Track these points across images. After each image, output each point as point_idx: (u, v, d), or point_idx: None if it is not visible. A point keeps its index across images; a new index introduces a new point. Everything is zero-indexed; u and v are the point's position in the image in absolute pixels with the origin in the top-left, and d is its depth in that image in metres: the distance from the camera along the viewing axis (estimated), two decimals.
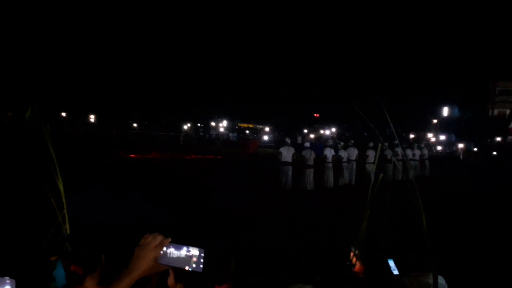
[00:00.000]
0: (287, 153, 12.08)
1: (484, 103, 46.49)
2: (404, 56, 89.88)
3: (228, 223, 6.95)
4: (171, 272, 1.25)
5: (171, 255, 1.20)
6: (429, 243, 2.47)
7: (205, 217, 7.41)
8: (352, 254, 2.69)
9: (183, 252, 1.19)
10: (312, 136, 32.57)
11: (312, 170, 12.39)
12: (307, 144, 12.98)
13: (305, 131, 37.31)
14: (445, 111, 41.22)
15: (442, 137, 30.97)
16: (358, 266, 2.81)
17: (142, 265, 1.20)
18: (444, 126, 37.40)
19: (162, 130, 37.82)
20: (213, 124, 42.74)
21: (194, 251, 1.19)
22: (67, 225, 2.96)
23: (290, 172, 12.05)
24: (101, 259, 1.88)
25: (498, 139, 31.31)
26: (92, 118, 44.07)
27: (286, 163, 12.03)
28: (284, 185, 11.90)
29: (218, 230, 6.43)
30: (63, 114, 41.89)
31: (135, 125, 43.46)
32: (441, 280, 2.68)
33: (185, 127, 40.64)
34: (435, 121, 40.69)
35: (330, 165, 13.19)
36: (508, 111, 42.63)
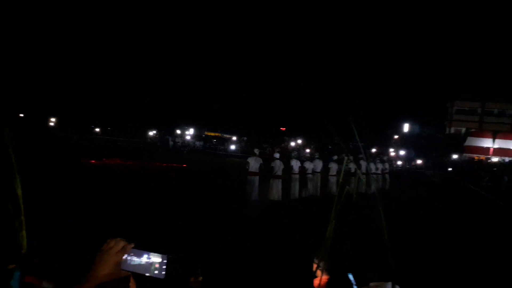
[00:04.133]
0: (254, 163, 12.11)
1: (442, 121, 48.72)
2: (367, 74, 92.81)
3: (194, 232, 6.88)
4: (131, 279, 1.22)
5: (132, 261, 1.18)
6: (390, 254, 2.55)
7: (171, 224, 7.29)
8: (315, 266, 2.73)
9: (144, 258, 1.17)
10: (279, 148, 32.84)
11: (280, 181, 12.49)
12: (277, 155, 13.07)
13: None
14: (406, 128, 42.79)
15: (402, 153, 32.05)
16: (322, 278, 2.85)
17: (103, 270, 1.17)
18: (405, 142, 38.78)
19: (126, 136, 36.98)
20: (179, 131, 42.24)
21: (156, 258, 1.17)
22: (24, 232, 2.84)
23: (257, 183, 12.07)
24: (59, 266, 1.81)
25: (454, 156, 32.82)
26: (52, 121, 42.45)
27: (254, 173, 12.06)
28: (250, 195, 11.90)
29: (186, 239, 6.35)
30: (21, 115, 40.16)
31: (97, 130, 42.27)
32: None
33: (151, 133, 39.94)
34: (396, 137, 42.13)
35: (297, 176, 13.35)
36: (463, 130, 44.85)
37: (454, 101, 46.64)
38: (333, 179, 14.52)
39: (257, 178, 12.10)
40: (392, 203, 11.00)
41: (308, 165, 14.04)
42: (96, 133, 40.89)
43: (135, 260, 1.18)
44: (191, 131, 42.54)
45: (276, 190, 12.38)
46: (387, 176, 18.48)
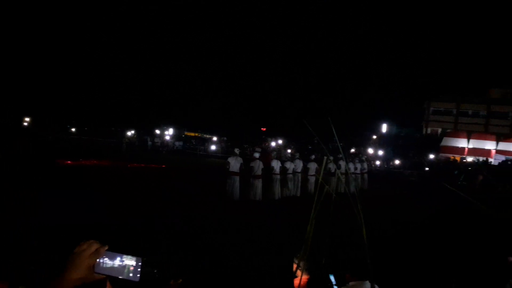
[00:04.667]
0: (234, 163, 12.06)
1: (419, 121, 49.77)
2: (347, 75, 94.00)
3: (173, 234, 6.79)
4: (108, 283, 1.18)
5: (105, 264, 1.15)
6: (368, 252, 2.56)
7: (150, 227, 7.19)
8: (295, 266, 2.71)
9: (117, 261, 1.14)
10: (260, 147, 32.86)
11: (260, 180, 12.47)
12: (256, 155, 13.04)
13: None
14: (384, 128, 43.48)
15: (381, 153, 32.55)
16: (303, 278, 2.84)
17: (75, 274, 1.13)
18: (383, 142, 39.42)
19: (103, 136, 36.31)
20: (158, 131, 41.75)
21: (129, 261, 1.14)
22: None
23: (237, 183, 12.03)
24: (29, 272, 1.75)
25: (431, 156, 33.54)
26: (26, 121, 41.31)
27: (234, 173, 12.01)
28: (231, 196, 11.86)
29: (162, 242, 6.26)
30: None
31: (73, 130, 41.38)
32: None
33: (129, 133, 39.34)
34: (374, 137, 42.77)
35: (278, 176, 13.36)
36: (440, 130, 45.92)
37: (430, 102, 47.70)
38: (312, 179, 14.61)
39: (237, 178, 12.06)
40: (371, 202, 11.13)
41: (289, 165, 14.08)
42: (73, 133, 40.02)
43: (108, 263, 1.15)
44: (170, 131, 42.10)
45: (256, 190, 12.36)
46: (365, 176, 18.71)
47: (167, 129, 42.30)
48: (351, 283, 2.89)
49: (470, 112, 46.51)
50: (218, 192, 11.98)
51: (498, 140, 38.68)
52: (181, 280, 2.08)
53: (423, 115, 49.23)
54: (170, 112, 52.97)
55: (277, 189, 13.31)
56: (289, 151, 26.66)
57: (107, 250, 1.16)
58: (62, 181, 11.63)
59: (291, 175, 14.10)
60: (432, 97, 47.63)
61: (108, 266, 1.15)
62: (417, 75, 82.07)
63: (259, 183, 12.44)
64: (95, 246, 1.16)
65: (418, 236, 8.01)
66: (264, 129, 51.49)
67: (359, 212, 2.62)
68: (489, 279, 3.66)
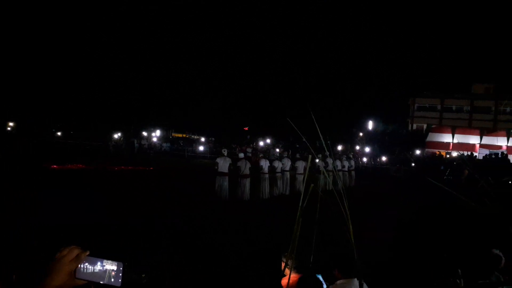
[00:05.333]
0: (223, 164, 12.09)
1: (404, 118, 50.33)
2: (332, 72, 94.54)
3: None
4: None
5: (86, 269, 1.15)
6: (355, 250, 2.59)
7: (140, 230, 7.14)
8: (283, 264, 2.73)
9: (98, 266, 1.14)
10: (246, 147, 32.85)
11: (248, 180, 12.49)
12: (241, 155, 13.07)
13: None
14: (370, 125, 43.86)
15: (367, 149, 32.84)
16: (291, 276, 2.86)
17: (56, 280, 1.12)
18: (369, 139, 39.78)
19: (89, 140, 35.87)
20: (145, 133, 41.43)
21: (110, 266, 1.14)
22: None
23: (226, 183, 12.06)
24: (17, 277, 1.73)
25: (417, 151, 33.95)
26: (10, 126, 40.58)
27: (223, 174, 12.02)
28: (220, 196, 11.87)
29: (155, 244, 6.23)
30: None
31: (59, 134, 40.78)
32: (364, 286, 2.81)
33: (115, 136, 38.95)
34: (361, 134, 43.12)
35: (266, 176, 13.41)
36: (425, 126, 46.52)
37: (415, 98, 48.28)
38: (300, 177, 14.68)
39: (226, 178, 12.08)
40: (358, 200, 11.23)
41: (277, 164, 14.13)
42: (58, 137, 39.44)
43: (89, 268, 1.15)
44: (157, 132, 41.83)
45: (243, 189, 12.39)
46: (353, 173, 18.89)
47: (154, 131, 42.02)
48: (339, 281, 2.92)
49: (454, 107, 47.20)
50: (208, 192, 11.96)
51: (481, 134, 39.37)
52: None
53: (408, 112, 49.81)
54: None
55: (266, 188, 13.35)
56: (277, 150, 26.73)
57: (88, 255, 1.16)
58: (50, 185, 11.48)
59: (279, 174, 14.16)
60: (417, 93, 48.22)
61: (89, 271, 1.14)
62: (401, 72, 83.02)
63: (246, 183, 12.47)
64: (76, 251, 1.16)
65: (406, 232, 8.11)
66: (247, 128, 51.41)
67: (345, 209, 2.65)
68: (475, 272, 3.72)
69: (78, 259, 1.15)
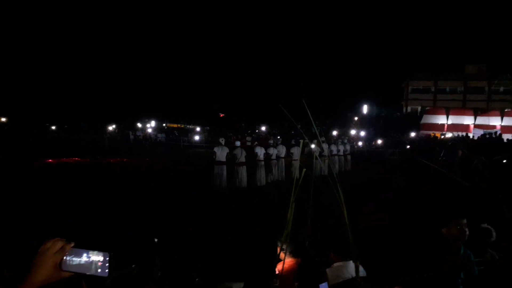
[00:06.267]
0: (221, 153, 12.13)
1: (399, 101, 50.42)
2: (327, 58, 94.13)
3: (163, 222, 6.81)
4: (83, 283, 1.18)
5: (72, 261, 1.14)
6: (350, 234, 2.62)
7: (140, 217, 7.18)
8: (279, 249, 2.77)
9: (83, 258, 1.14)
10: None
11: (244, 168, 12.53)
12: (238, 143, 13.09)
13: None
14: (365, 109, 43.88)
15: (363, 133, 32.92)
16: (286, 260, 2.90)
17: (41, 273, 1.11)
18: (364, 123, 39.85)
19: (84, 133, 35.67)
20: (139, 125, 41.25)
21: (95, 257, 1.14)
22: None
23: (224, 172, 12.11)
24: (7, 274, 1.74)
25: (412, 134, 34.09)
26: (3, 121, 40.24)
27: (220, 163, 12.07)
28: (219, 185, 11.93)
29: (148, 232, 6.27)
30: None
31: (53, 128, 40.52)
32: (360, 267, 2.86)
33: (110, 128, 38.77)
34: (356, 118, 43.18)
35: (262, 163, 13.46)
36: (419, 108, 46.61)
37: (409, 81, 48.27)
38: (296, 164, 14.73)
39: (224, 167, 12.14)
40: (354, 184, 11.31)
41: (272, 151, 14.16)
42: (53, 131, 39.21)
43: (75, 260, 1.14)
44: (152, 123, 41.66)
45: (241, 177, 12.44)
46: (348, 157, 18.97)
47: (148, 122, 41.85)
48: (335, 264, 2.97)
49: (447, 89, 47.27)
50: (206, 185, 11.97)
51: (475, 114, 39.52)
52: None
53: (402, 94, 49.85)
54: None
55: (262, 175, 13.41)
56: (278, 137, 26.73)
57: (73, 247, 1.15)
58: (46, 181, 11.45)
59: (275, 161, 14.20)
60: (411, 76, 48.20)
61: (75, 263, 1.14)
62: (395, 56, 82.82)
63: (243, 171, 12.51)
64: (60, 243, 1.15)
65: (399, 216, 8.19)
66: (222, 115, 51.25)
67: (339, 193, 2.68)
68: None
69: (63, 251, 1.14)
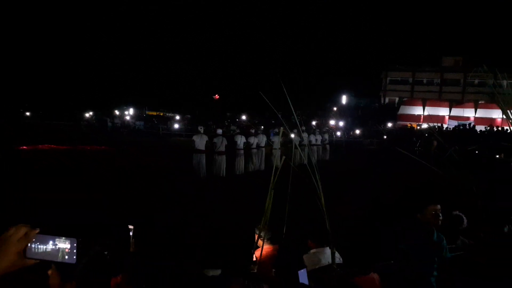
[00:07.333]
0: (200, 141, 12.07)
1: (377, 91, 51.08)
2: (307, 50, 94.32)
3: (139, 209, 6.75)
4: (54, 269, 1.12)
5: (37, 249, 1.09)
6: (327, 220, 2.67)
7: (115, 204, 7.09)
8: (257, 236, 2.79)
9: (50, 245, 1.09)
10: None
11: (223, 157, 12.51)
12: (219, 131, 13.04)
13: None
14: (344, 100, 44.32)
15: (341, 124, 33.30)
16: (264, 248, 2.92)
17: (3, 261, 1.06)
18: (343, 113, 40.27)
19: (60, 119, 34.85)
20: (117, 112, 40.55)
21: (63, 244, 1.09)
22: None
23: (203, 160, 12.07)
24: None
25: (389, 124, 34.68)
26: None
27: (200, 151, 12.02)
28: (198, 173, 11.89)
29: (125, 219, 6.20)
30: None
31: (27, 114, 39.41)
32: (336, 254, 2.91)
33: (87, 115, 37.98)
34: (335, 108, 43.58)
35: (242, 151, 13.46)
36: (397, 99, 47.37)
37: (387, 72, 48.91)
38: (276, 153, 14.80)
39: (203, 155, 12.10)
40: (332, 173, 11.46)
41: (253, 140, 14.17)
42: (27, 117, 38.13)
43: (41, 247, 1.09)
44: (130, 111, 41.02)
45: (219, 166, 12.42)
46: (327, 146, 19.19)
47: (127, 109, 41.18)
48: (312, 251, 3.01)
49: (425, 80, 48.12)
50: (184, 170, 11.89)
51: (451, 106, 40.47)
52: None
53: (380, 85, 50.51)
54: (129, 90, 51.21)
55: (241, 164, 13.42)
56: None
57: (38, 233, 1.11)
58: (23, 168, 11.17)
59: (255, 150, 14.22)
60: (389, 67, 48.83)
61: (41, 250, 1.09)
62: (374, 47, 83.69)
63: (222, 159, 12.49)
64: (23, 230, 1.10)
65: (377, 202, 8.35)
66: (217, 96, 50.97)
67: (318, 182, 2.71)
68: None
69: (27, 238, 1.09)
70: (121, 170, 12.06)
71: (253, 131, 15.11)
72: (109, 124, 34.69)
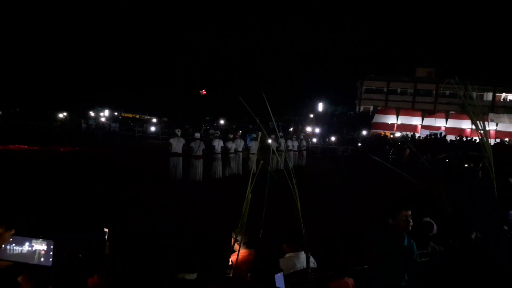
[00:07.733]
0: (177, 144, 11.96)
1: (353, 100, 51.99)
2: (284, 56, 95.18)
3: (113, 212, 6.63)
4: (25, 273, 1.08)
5: (13, 250, 1.06)
6: (303, 225, 2.71)
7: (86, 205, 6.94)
8: (233, 240, 2.80)
9: (26, 247, 1.06)
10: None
11: (200, 161, 12.43)
12: (197, 135, 12.96)
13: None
14: (320, 107, 44.84)
15: (317, 130, 33.65)
16: (241, 252, 2.94)
17: None
18: (319, 120, 40.72)
19: (33, 119, 33.86)
20: (92, 113, 39.71)
21: (39, 246, 1.07)
22: None
23: (180, 163, 11.95)
24: None
25: (364, 132, 35.30)
26: None
27: (176, 154, 11.91)
28: (174, 176, 11.77)
29: (97, 220, 6.09)
30: None
31: None
32: (311, 258, 2.96)
33: (60, 115, 37.04)
34: (311, 115, 44.02)
35: (219, 156, 13.41)
36: (372, 107, 48.31)
37: (363, 81, 49.85)
38: (253, 157, 14.83)
39: (180, 159, 11.98)
40: (308, 178, 11.60)
41: (230, 145, 14.16)
42: None
43: (16, 248, 1.06)
44: (106, 112, 40.26)
45: (196, 170, 12.34)
46: (304, 152, 19.39)
47: (102, 111, 40.41)
48: (287, 255, 3.05)
49: (399, 90, 49.29)
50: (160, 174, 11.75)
51: (423, 116, 41.55)
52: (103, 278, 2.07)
53: (356, 94, 51.40)
54: (105, 92, 50.23)
55: (219, 168, 13.37)
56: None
57: (13, 234, 1.08)
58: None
59: (233, 155, 14.21)
60: (365, 76, 49.79)
61: (16, 252, 1.06)
62: (350, 56, 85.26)
63: (199, 163, 12.42)
64: None
65: (352, 206, 8.51)
66: (204, 91, 50.77)
67: (294, 186, 2.75)
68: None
69: (2, 239, 1.06)
70: (97, 172, 11.84)
71: (231, 136, 15.11)
72: (84, 125, 33.96)
